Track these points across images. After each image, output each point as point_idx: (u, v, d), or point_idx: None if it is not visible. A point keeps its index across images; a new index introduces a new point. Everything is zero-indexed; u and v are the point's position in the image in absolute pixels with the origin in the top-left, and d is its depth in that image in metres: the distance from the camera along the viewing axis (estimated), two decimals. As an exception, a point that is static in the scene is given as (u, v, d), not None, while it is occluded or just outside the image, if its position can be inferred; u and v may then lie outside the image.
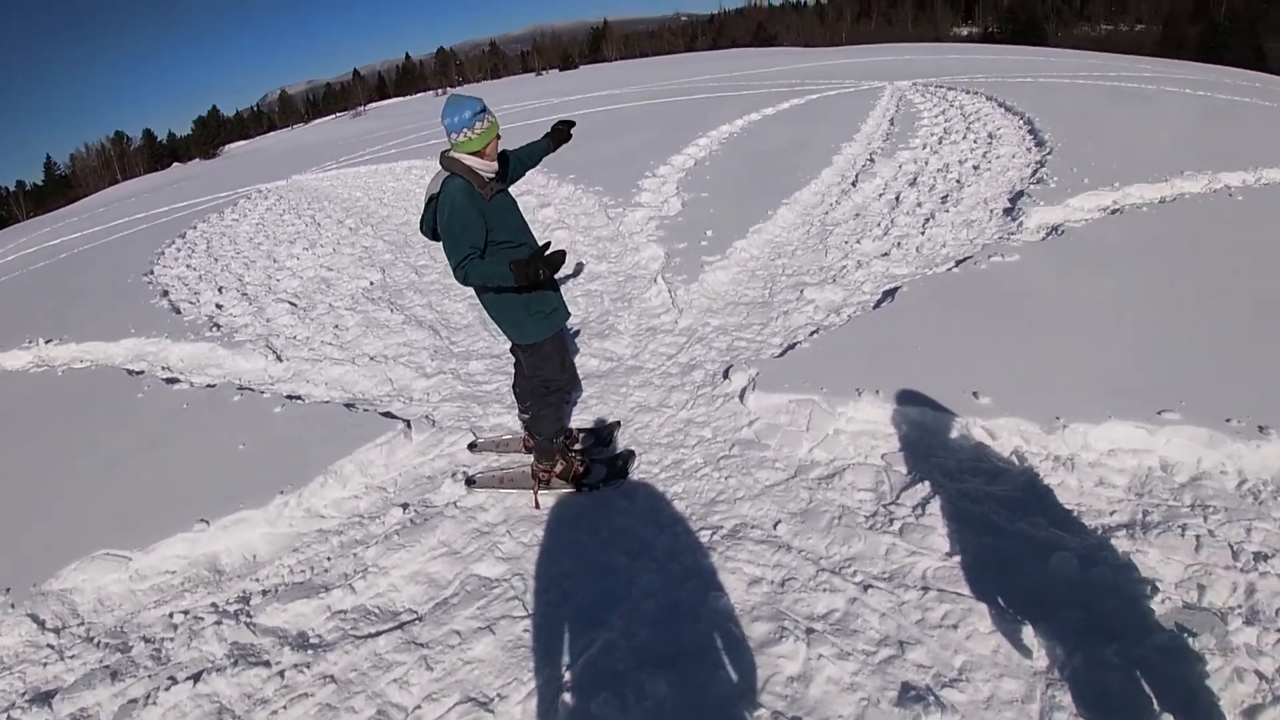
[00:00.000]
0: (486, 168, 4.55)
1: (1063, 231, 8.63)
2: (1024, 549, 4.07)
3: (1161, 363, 5.52)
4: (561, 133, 5.38)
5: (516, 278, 4.30)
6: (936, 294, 7.26)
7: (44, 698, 4.14)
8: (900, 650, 3.60)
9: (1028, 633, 3.51)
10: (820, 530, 4.47)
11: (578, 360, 7.07)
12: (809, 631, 3.75)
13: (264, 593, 4.70)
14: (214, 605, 4.64)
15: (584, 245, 11.23)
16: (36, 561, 5.18)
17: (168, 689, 4.00)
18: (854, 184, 12.37)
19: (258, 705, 3.88)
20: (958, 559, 4.10)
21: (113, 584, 4.99)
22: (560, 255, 4.33)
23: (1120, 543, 4.04)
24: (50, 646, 4.54)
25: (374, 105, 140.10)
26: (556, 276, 4.67)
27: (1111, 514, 4.35)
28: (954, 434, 5.11)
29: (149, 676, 4.16)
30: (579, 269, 10.01)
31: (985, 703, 3.31)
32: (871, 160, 13.83)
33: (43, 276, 18.43)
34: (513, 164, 5.09)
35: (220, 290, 11.84)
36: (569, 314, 5.07)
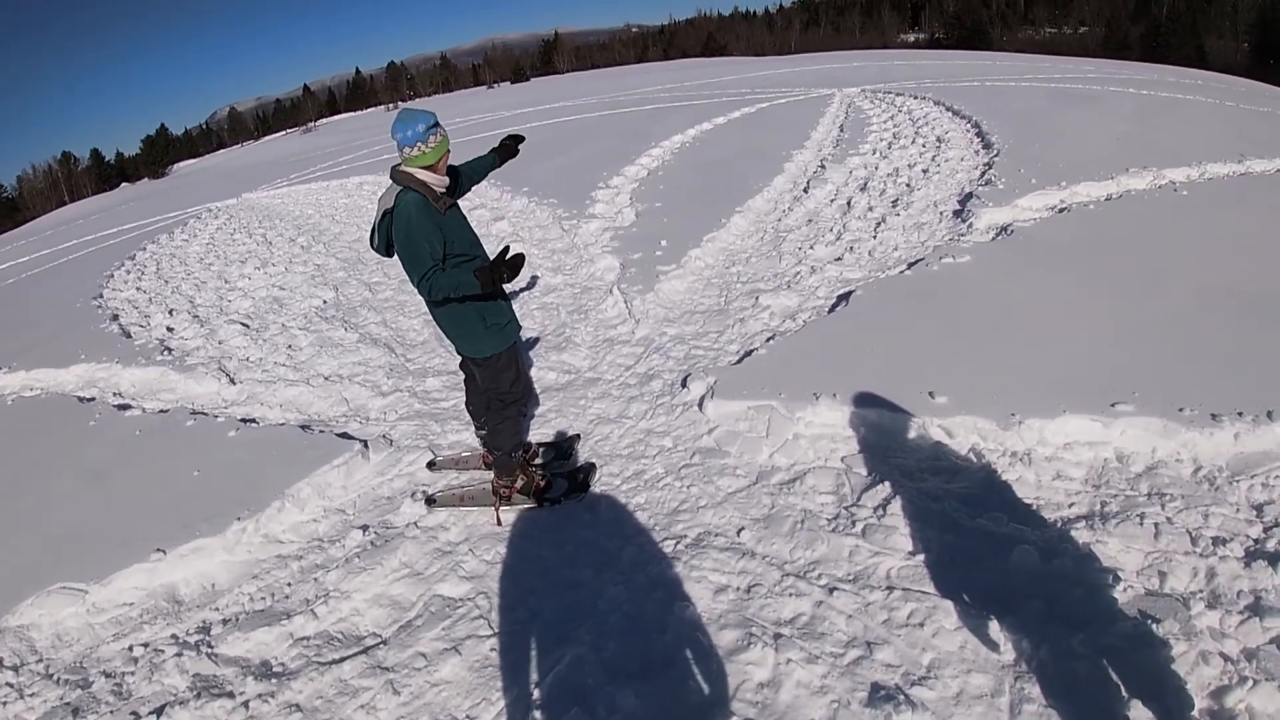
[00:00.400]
0: (439, 182, 4.52)
1: (1012, 231, 8.75)
2: (985, 545, 4.11)
3: (1113, 356, 5.62)
4: (509, 148, 5.37)
5: (483, 284, 4.26)
6: (890, 296, 7.33)
7: (3, 738, 4.05)
8: (868, 651, 3.61)
9: (994, 627, 3.54)
10: (784, 535, 4.48)
11: (535, 374, 7.07)
12: (777, 637, 3.75)
13: (224, 622, 4.62)
14: (174, 636, 4.55)
15: (539, 258, 11.19)
16: (-10, 598, 5.07)
17: (130, 725, 3.92)
18: (806, 190, 12.45)
19: (222, 737, 3.81)
20: (921, 557, 4.13)
21: (70, 618, 4.89)
22: (520, 258, 4.28)
23: (1080, 534, 4.10)
24: (9, 685, 4.43)
25: (325, 121, 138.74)
26: (512, 287, 4.65)
27: (1070, 506, 4.41)
28: (912, 434, 5.15)
29: (111, 713, 4.08)
30: (533, 282, 9.97)
31: (955, 698, 3.32)
32: (823, 167, 13.93)
33: (-11, 303, 18.10)
34: (461, 179, 5.06)
35: (171, 313, 11.68)
36: (520, 327, 5.05)
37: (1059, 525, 4.23)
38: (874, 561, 4.16)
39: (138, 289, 14.23)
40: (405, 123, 4.43)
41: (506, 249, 4.31)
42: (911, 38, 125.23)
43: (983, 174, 11.57)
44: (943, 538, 4.20)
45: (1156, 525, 4.10)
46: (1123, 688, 3.19)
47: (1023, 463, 4.76)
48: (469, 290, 4.35)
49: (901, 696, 3.34)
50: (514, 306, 5.09)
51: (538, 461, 5.66)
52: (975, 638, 3.57)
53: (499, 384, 4.97)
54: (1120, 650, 3.34)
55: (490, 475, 5.37)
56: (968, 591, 3.85)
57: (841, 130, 17.76)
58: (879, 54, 62.06)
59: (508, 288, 4.67)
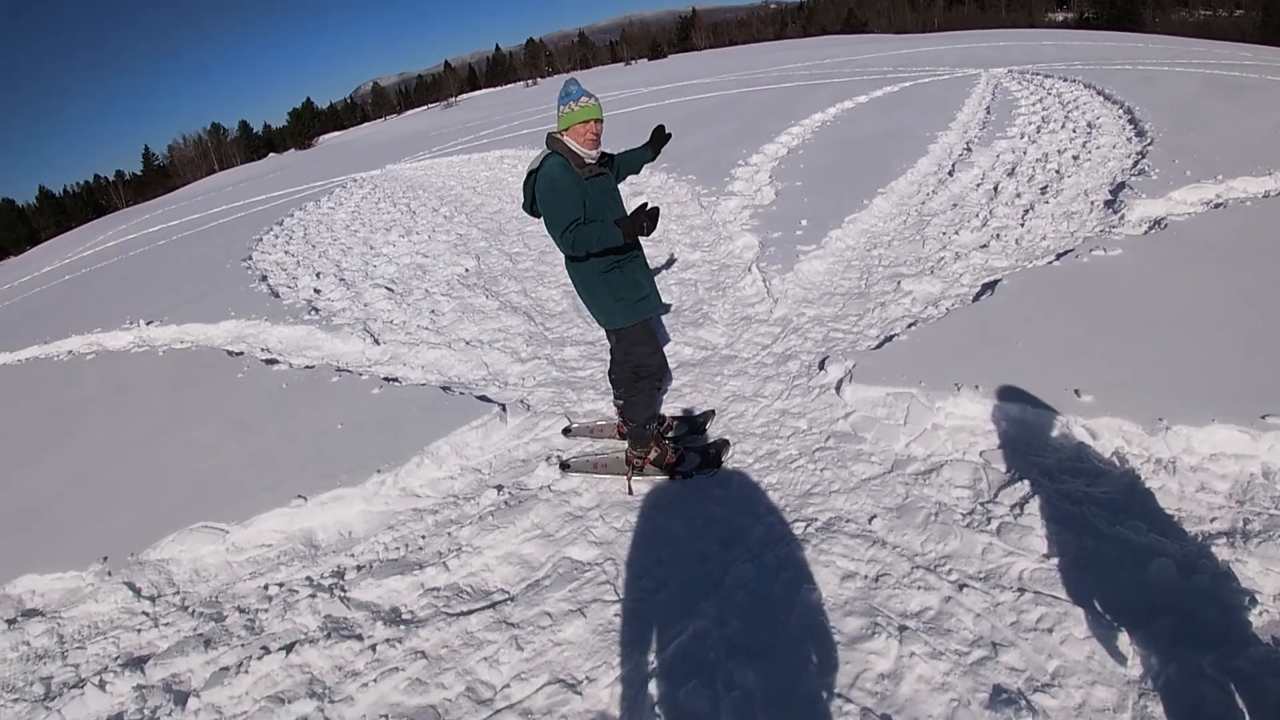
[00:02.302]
0: (585, 152, 4.64)
1: (1165, 225, 8.36)
2: (1123, 553, 3.97)
3: (1266, 364, 5.31)
4: (658, 139, 5.51)
5: (625, 233, 4.38)
6: (1037, 287, 7.11)
7: (137, 663, 4.33)
8: (993, 652, 3.55)
9: (1123, 639, 3.43)
10: (916, 527, 4.42)
11: (672, 348, 7.13)
12: (901, 629, 3.72)
13: (358, 568, 4.84)
14: (309, 579, 4.81)
15: (677, 234, 11.28)
16: (135, 532, 5.44)
17: (260, 658, 4.15)
18: (951, 174, 12.19)
19: (348, 677, 3.99)
20: (1055, 561, 4.02)
21: (209, 555, 5.21)
22: (656, 210, 4.40)
23: (1220, 551, 3.91)
24: (145, 614, 4.74)
25: (465, 96, 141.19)
26: (653, 265, 4.71)
27: (1212, 521, 4.20)
28: (1054, 432, 5.00)
29: (242, 645, 4.33)
30: (671, 261, 10.03)
31: (1077, 710, 3.24)
32: (968, 149, 13.61)
33: (143, 261, 19.17)
34: (618, 165, 5.21)
35: (318, 275, 12.19)
36: (661, 303, 5.08)
37: (1199, 540, 4.05)
38: (1007, 561, 4.07)
39: (285, 252, 14.88)
40: (564, 88, 4.69)
41: (645, 204, 4.41)
42: (1060, 17, 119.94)
43: (1135, 163, 11.05)
44: (1079, 542, 4.07)
45: (1298, 548, 3.90)
46: (1248, 715, 3.06)
47: (1166, 471, 4.57)
48: (612, 242, 4.45)
49: (1023, 702, 3.28)
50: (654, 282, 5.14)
51: (670, 435, 5.72)
52: (1104, 649, 3.47)
53: (631, 357, 5.05)
54: (1250, 675, 3.19)
55: (623, 445, 5.46)
56: (1100, 600, 3.73)
57: (988, 112, 17.28)
58: (1026, 33, 59.81)
59: (652, 265, 4.74)
